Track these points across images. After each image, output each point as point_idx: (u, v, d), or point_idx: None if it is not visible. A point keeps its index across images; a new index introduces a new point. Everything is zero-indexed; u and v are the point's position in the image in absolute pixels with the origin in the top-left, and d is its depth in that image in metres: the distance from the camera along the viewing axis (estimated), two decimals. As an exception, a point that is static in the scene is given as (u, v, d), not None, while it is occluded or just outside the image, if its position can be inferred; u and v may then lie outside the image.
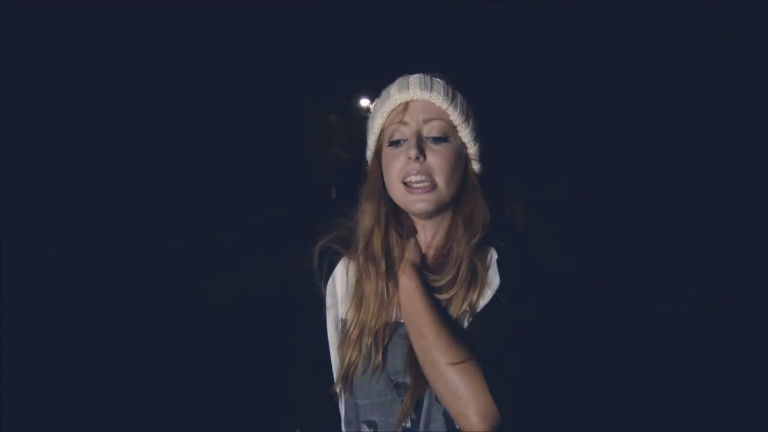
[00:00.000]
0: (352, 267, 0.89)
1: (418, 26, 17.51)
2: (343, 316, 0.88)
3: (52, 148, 10.83)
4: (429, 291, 0.83)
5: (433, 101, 0.83)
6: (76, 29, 11.14)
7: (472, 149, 0.87)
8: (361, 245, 0.87)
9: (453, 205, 0.87)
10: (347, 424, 0.87)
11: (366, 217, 0.88)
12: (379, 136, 0.88)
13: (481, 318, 0.82)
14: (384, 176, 0.87)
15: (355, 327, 0.84)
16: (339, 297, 0.89)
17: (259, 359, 3.96)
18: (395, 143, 0.84)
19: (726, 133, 9.35)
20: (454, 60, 16.48)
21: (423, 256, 0.88)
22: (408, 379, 0.81)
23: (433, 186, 0.82)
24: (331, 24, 18.86)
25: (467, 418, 0.75)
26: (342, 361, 0.85)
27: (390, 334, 0.85)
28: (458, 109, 0.84)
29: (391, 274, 0.85)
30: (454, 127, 0.84)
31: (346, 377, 0.84)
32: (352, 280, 0.88)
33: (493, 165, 0.94)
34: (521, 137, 15.82)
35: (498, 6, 14.32)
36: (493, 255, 0.87)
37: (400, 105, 0.85)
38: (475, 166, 0.89)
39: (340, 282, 0.90)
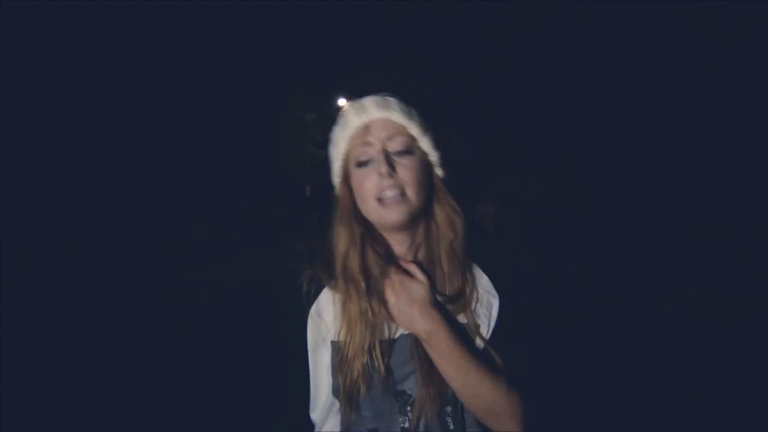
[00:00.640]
0: (337, 290, 0.91)
1: (411, 26, 17.52)
2: (335, 339, 0.91)
3: (52, 148, 10.83)
4: (452, 324, 0.86)
5: (391, 119, 0.87)
6: (76, 29, 11.14)
7: (434, 157, 0.90)
8: (339, 269, 0.89)
9: (424, 215, 0.90)
10: (347, 430, 0.91)
11: (341, 240, 0.90)
12: (344, 161, 0.91)
13: (495, 339, 0.89)
14: (356, 197, 0.89)
15: (349, 348, 0.87)
16: (328, 322, 0.92)
17: (258, 359, 3.96)
18: (363, 164, 0.87)
19: (726, 133, 9.35)
20: (453, 60, 16.48)
21: (400, 261, 0.91)
22: (408, 389, 0.87)
23: (404, 197, 0.85)
24: (310, 24, 18.89)
25: (510, 428, 0.86)
26: (343, 381, 0.87)
27: (389, 350, 0.88)
28: (416, 122, 0.88)
29: (372, 293, 0.87)
30: (414, 140, 0.88)
31: (350, 396, 0.87)
32: (339, 304, 0.91)
33: (456, 169, 0.97)
34: (520, 138, 15.83)
35: (498, 6, 14.32)
36: (482, 275, 0.93)
37: (360, 128, 0.88)
38: (439, 172, 0.92)
39: (326, 308, 0.93)
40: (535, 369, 0.87)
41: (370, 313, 0.87)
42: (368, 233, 0.90)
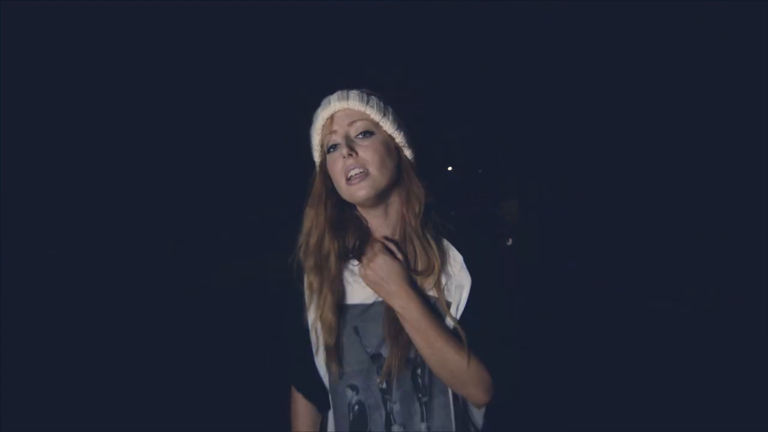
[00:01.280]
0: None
1: (411, 26, 17.53)
2: (311, 307, 1.05)
3: (52, 148, 10.83)
4: (424, 300, 0.95)
5: (350, 107, 0.98)
6: (76, 29, 11.14)
7: (399, 138, 1.01)
8: (303, 246, 1.03)
9: (394, 192, 1.00)
10: (333, 389, 1.03)
11: (307, 221, 1.03)
12: (320, 151, 1.03)
13: (465, 316, 0.97)
14: (333, 181, 1.00)
15: (321, 313, 1.00)
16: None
17: (258, 358, 3.96)
18: (331, 149, 0.99)
19: (726, 133, 9.35)
20: (454, 60, 16.50)
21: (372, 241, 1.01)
22: (384, 352, 0.97)
23: (367, 174, 0.95)
24: (324, 23, 18.92)
25: (475, 396, 0.96)
26: (327, 345, 1.00)
27: (361, 309, 1.00)
28: (375, 107, 0.98)
29: (320, 269, 1.00)
30: (376, 123, 0.98)
31: (329, 354, 1.00)
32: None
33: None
34: (520, 137, 15.83)
35: (498, 6, 14.32)
36: (456, 255, 1.01)
37: (327, 119, 1.00)
38: (407, 153, 1.02)
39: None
40: (505, 348, 0.97)
41: (315, 285, 1.00)
42: (336, 216, 1.02)
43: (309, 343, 1.05)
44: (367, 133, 0.97)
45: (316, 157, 1.05)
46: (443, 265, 0.99)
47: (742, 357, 3.74)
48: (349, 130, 0.98)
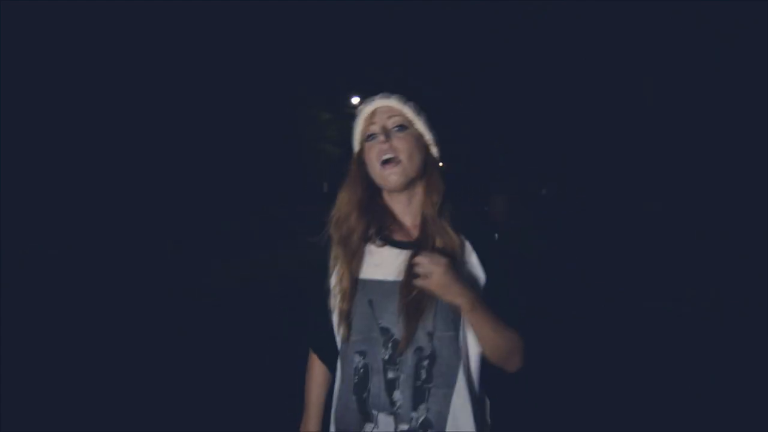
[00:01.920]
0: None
1: (411, 26, 17.53)
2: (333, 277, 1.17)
3: (52, 148, 10.83)
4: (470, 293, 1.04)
5: (391, 105, 1.14)
6: (76, 29, 11.13)
7: (428, 136, 1.16)
8: (332, 219, 1.16)
9: (419, 183, 1.14)
10: (343, 352, 1.16)
11: (340, 200, 1.17)
12: (360, 140, 1.18)
13: (487, 295, 1.09)
14: (367, 166, 1.15)
15: (341, 283, 1.13)
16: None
17: (259, 357, 3.96)
18: (369, 137, 1.14)
19: (726, 133, 9.35)
20: (453, 60, 16.49)
21: (400, 225, 1.16)
22: (398, 328, 1.07)
23: (398, 161, 1.09)
24: (324, 25, 18.95)
25: (516, 363, 1.11)
26: (340, 312, 1.13)
27: (378, 285, 1.11)
28: (411, 109, 1.14)
29: (344, 244, 1.13)
30: (410, 121, 1.14)
31: (342, 320, 1.13)
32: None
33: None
34: (520, 138, 15.83)
35: (498, 6, 14.32)
36: (472, 252, 1.13)
37: (369, 113, 1.15)
38: (433, 150, 1.17)
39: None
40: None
41: (347, 255, 1.13)
42: (370, 199, 1.16)
43: (328, 307, 1.18)
44: (402, 127, 1.12)
45: (356, 145, 1.20)
46: (462, 255, 1.11)
47: (742, 357, 3.74)
48: (387, 122, 1.13)
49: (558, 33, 12.78)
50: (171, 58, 13.91)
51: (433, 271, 0.99)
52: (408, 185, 1.12)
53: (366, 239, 1.13)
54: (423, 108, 1.17)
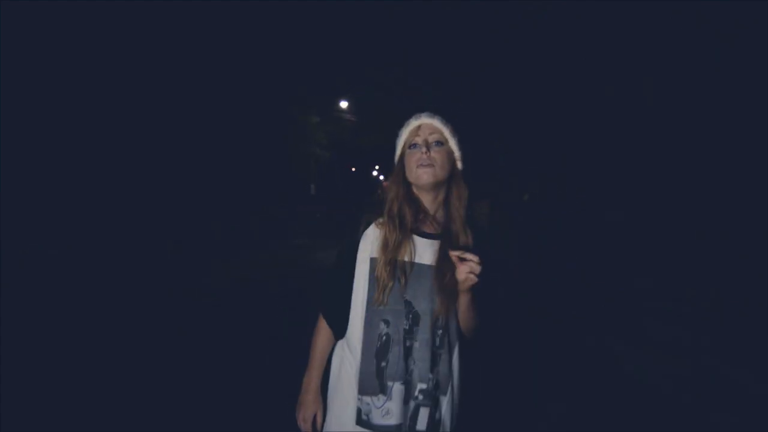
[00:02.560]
0: (380, 227, 1.42)
1: (411, 26, 17.54)
2: (373, 255, 1.40)
3: (52, 148, 10.82)
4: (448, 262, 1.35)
5: (434, 124, 1.44)
6: (76, 29, 11.14)
7: (457, 153, 1.46)
8: (386, 210, 1.42)
9: (445, 187, 1.45)
10: (368, 319, 1.38)
11: (391, 193, 1.44)
12: (403, 146, 1.47)
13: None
14: (405, 167, 1.45)
15: (382, 261, 1.36)
16: (370, 244, 1.42)
17: (259, 357, 3.96)
18: (413, 146, 1.44)
19: (726, 133, 9.34)
20: (453, 60, 16.48)
21: (430, 219, 1.46)
22: (424, 304, 1.36)
23: (433, 167, 1.39)
24: (324, 23, 18.97)
25: (472, 332, 1.43)
26: (378, 280, 1.36)
27: (410, 269, 1.37)
28: (449, 131, 1.45)
29: (401, 227, 1.39)
30: (446, 139, 1.44)
31: (380, 288, 1.36)
32: (380, 234, 1.41)
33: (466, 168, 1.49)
34: (520, 138, 15.83)
35: (498, 6, 14.31)
36: (470, 236, 1.43)
37: (415, 126, 1.45)
38: (459, 164, 1.47)
39: (371, 235, 1.43)
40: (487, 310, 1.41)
41: (398, 239, 1.37)
42: (408, 193, 1.44)
43: (351, 278, 1.43)
44: (439, 143, 1.43)
45: (398, 150, 1.49)
46: (474, 246, 1.39)
47: (742, 357, 3.74)
48: (429, 137, 1.43)
49: (558, 33, 12.78)
50: (170, 61, 13.93)
51: (477, 271, 1.28)
52: (435, 187, 1.43)
53: (411, 226, 1.41)
54: (457, 131, 1.47)
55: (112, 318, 5.38)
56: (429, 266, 1.37)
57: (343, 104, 22.34)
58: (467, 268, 1.28)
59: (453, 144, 1.45)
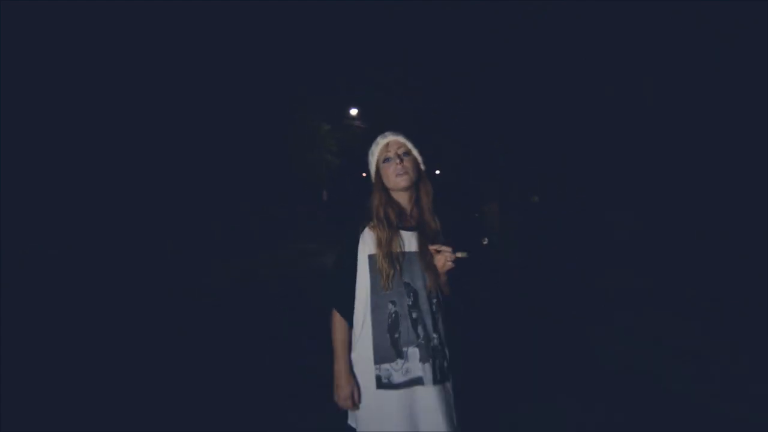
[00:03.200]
0: (372, 229, 1.73)
1: (411, 26, 17.55)
2: (371, 253, 1.72)
3: (52, 148, 10.82)
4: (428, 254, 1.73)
5: (399, 140, 1.81)
6: (76, 29, 11.13)
7: (419, 159, 1.82)
8: (374, 215, 1.74)
9: (415, 187, 1.80)
10: (376, 302, 1.71)
11: (375, 201, 1.77)
12: (377, 161, 1.81)
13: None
14: (383, 177, 1.79)
15: (380, 256, 1.69)
16: (368, 244, 1.73)
17: (259, 357, 3.96)
18: (387, 160, 1.78)
19: (726, 133, 9.34)
20: (454, 60, 16.47)
21: (408, 215, 1.79)
22: (419, 282, 1.71)
23: (407, 173, 1.74)
24: (324, 24, 19.00)
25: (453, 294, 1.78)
26: (381, 271, 1.68)
27: (402, 258, 1.71)
28: (411, 143, 1.81)
29: (389, 226, 1.72)
30: (410, 150, 1.80)
31: (383, 277, 1.68)
32: (373, 234, 1.73)
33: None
34: (519, 137, 15.82)
35: (498, 6, 14.30)
36: (440, 232, 1.78)
37: (384, 144, 1.81)
38: (422, 167, 1.82)
39: (368, 236, 1.74)
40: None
41: (388, 237, 1.70)
42: (389, 198, 1.78)
43: (354, 274, 1.74)
44: (407, 154, 1.79)
45: (373, 165, 1.83)
46: (439, 234, 1.76)
47: (742, 357, 3.74)
48: (398, 151, 1.78)
49: (558, 33, 12.77)
50: (172, 60, 13.91)
51: (452, 259, 1.67)
52: (409, 188, 1.78)
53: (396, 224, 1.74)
54: (415, 143, 1.85)
55: (113, 318, 5.38)
56: (415, 253, 1.73)
57: (353, 111, 23.10)
58: (443, 258, 1.68)
59: (416, 152, 1.82)
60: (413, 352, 1.68)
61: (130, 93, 12.67)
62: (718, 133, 9.52)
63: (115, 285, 7.19)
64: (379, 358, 1.69)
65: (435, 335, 1.71)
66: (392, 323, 1.69)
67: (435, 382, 1.67)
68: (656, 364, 3.69)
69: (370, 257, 1.72)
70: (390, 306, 1.70)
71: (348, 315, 1.75)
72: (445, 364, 1.72)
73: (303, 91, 19.73)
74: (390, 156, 1.77)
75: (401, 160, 1.75)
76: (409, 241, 1.74)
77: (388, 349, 1.69)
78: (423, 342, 1.68)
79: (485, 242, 12.39)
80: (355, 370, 1.75)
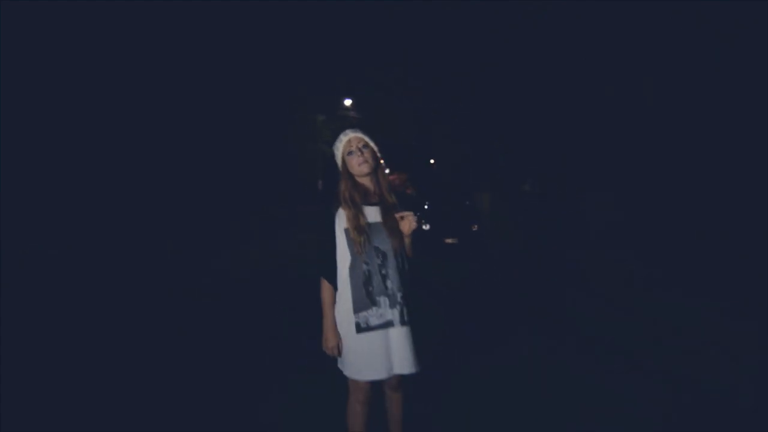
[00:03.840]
0: (343, 208, 2.18)
1: (411, 26, 17.56)
2: (345, 227, 2.16)
3: (52, 148, 10.82)
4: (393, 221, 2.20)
5: (359, 136, 2.23)
6: (76, 29, 11.13)
7: (376, 149, 2.26)
8: (342, 198, 2.18)
9: (374, 172, 2.24)
10: (353, 265, 2.14)
11: (343, 186, 2.20)
12: (342, 154, 2.24)
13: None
14: (348, 167, 2.22)
15: (352, 228, 2.12)
16: (342, 220, 2.17)
17: (259, 357, 3.96)
18: (350, 153, 2.21)
19: (726, 133, 9.34)
20: (454, 60, 16.47)
21: (371, 194, 2.24)
22: (386, 245, 2.14)
23: (367, 162, 2.18)
24: (324, 24, 19.05)
25: (413, 252, 2.24)
26: (355, 241, 2.11)
27: (369, 228, 2.15)
28: (369, 137, 2.24)
29: (354, 205, 2.15)
30: (368, 143, 2.23)
31: (358, 245, 2.11)
32: (344, 213, 2.17)
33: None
34: (519, 137, 15.81)
35: (498, 6, 14.31)
36: (396, 204, 2.23)
37: (347, 140, 2.23)
38: (379, 155, 2.26)
39: (341, 215, 2.18)
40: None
41: (354, 214, 2.14)
42: (354, 183, 2.22)
43: (335, 246, 2.18)
44: (366, 146, 2.23)
45: (339, 158, 2.26)
46: (396, 207, 2.21)
47: (742, 357, 3.73)
48: (359, 144, 2.22)
49: (558, 33, 12.77)
50: (172, 60, 13.91)
51: (413, 221, 2.13)
52: (370, 173, 2.23)
53: (359, 203, 2.17)
54: (372, 137, 2.28)
55: (112, 318, 5.38)
56: (380, 222, 2.18)
57: (347, 102, 23.88)
58: (408, 221, 2.14)
59: (372, 144, 2.26)
60: (384, 300, 2.12)
61: (129, 93, 12.67)
62: (718, 133, 9.51)
63: (115, 285, 7.19)
64: (357, 308, 2.13)
65: (401, 287, 2.14)
66: (366, 279, 2.12)
67: (402, 323, 2.12)
68: (656, 364, 3.69)
69: (345, 230, 2.15)
70: (364, 266, 2.13)
71: (333, 280, 2.18)
72: (410, 310, 2.16)
73: (303, 91, 19.85)
74: (352, 149, 2.20)
75: (362, 153, 2.19)
76: (374, 214, 2.18)
77: (364, 299, 2.12)
78: (391, 293, 2.13)
79: (475, 228, 12.68)
80: (339, 320, 2.17)
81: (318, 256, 2.20)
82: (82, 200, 11.41)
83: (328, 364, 2.41)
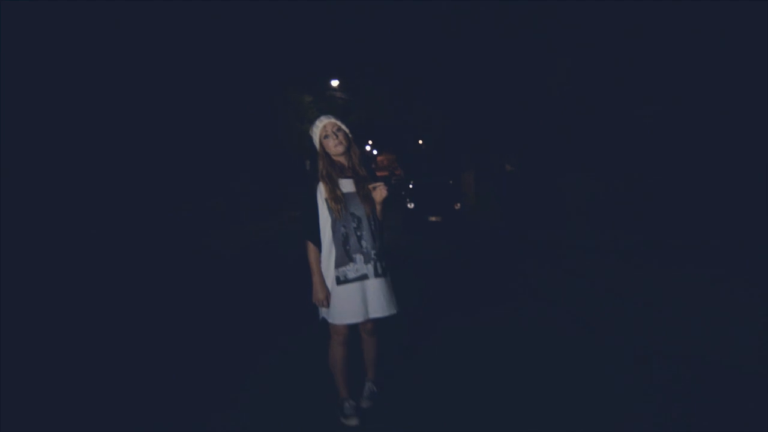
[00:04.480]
0: (322, 183, 2.64)
1: (389, 10, 17.75)
2: (325, 197, 2.62)
3: (52, 148, 10.82)
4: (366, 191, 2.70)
5: (333, 121, 2.69)
6: (76, 29, 11.13)
7: (348, 131, 2.71)
8: (320, 175, 2.66)
9: (348, 151, 2.71)
10: (334, 227, 2.62)
11: (320, 165, 2.67)
12: (319, 137, 2.69)
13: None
14: (325, 148, 2.68)
15: (330, 199, 2.60)
16: (322, 193, 2.63)
17: (259, 356, 3.97)
18: (326, 137, 2.66)
19: (726, 133, 9.35)
20: (436, 41, 16.59)
21: (346, 168, 2.73)
22: (360, 211, 2.64)
23: (342, 143, 2.66)
24: (307, 15, 19.21)
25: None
26: (333, 209, 2.59)
27: (344, 197, 2.62)
28: (342, 122, 2.70)
29: (330, 180, 2.63)
30: (341, 127, 2.69)
31: (336, 212, 2.59)
32: (323, 187, 2.63)
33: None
34: (519, 137, 15.82)
35: (498, 6, 14.31)
36: (365, 171, 2.76)
37: (322, 125, 2.69)
38: (351, 136, 2.73)
39: (320, 188, 2.64)
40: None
41: (331, 188, 2.61)
42: (331, 162, 2.68)
43: (317, 215, 2.64)
44: (340, 130, 2.67)
45: (316, 142, 2.69)
46: (368, 180, 2.68)
47: (742, 358, 3.74)
48: (333, 128, 2.65)
49: (558, 33, 12.77)
50: (169, 60, 13.92)
51: (383, 191, 2.60)
52: (344, 153, 2.68)
53: (337, 176, 2.64)
54: (344, 121, 2.71)
55: (112, 317, 5.39)
56: (353, 192, 2.64)
57: (334, 83, 24.23)
58: (379, 191, 2.60)
59: (345, 127, 2.68)
60: (359, 257, 2.59)
61: (130, 93, 12.66)
62: (717, 132, 9.52)
63: (115, 284, 7.19)
64: (337, 264, 2.60)
65: (374, 246, 2.62)
66: (344, 239, 2.59)
67: (376, 276, 2.60)
68: (656, 364, 3.69)
69: (326, 200, 2.60)
70: (342, 229, 2.60)
71: (317, 242, 2.65)
72: (384, 265, 2.65)
73: (291, 72, 19.92)
74: (328, 133, 2.64)
75: (336, 136, 2.63)
76: (349, 186, 2.65)
77: (343, 256, 2.59)
78: (365, 250, 2.60)
79: (458, 207, 13.15)
80: (325, 276, 2.63)
81: (303, 223, 2.65)
82: (82, 200, 11.40)
83: (327, 364, 2.83)
